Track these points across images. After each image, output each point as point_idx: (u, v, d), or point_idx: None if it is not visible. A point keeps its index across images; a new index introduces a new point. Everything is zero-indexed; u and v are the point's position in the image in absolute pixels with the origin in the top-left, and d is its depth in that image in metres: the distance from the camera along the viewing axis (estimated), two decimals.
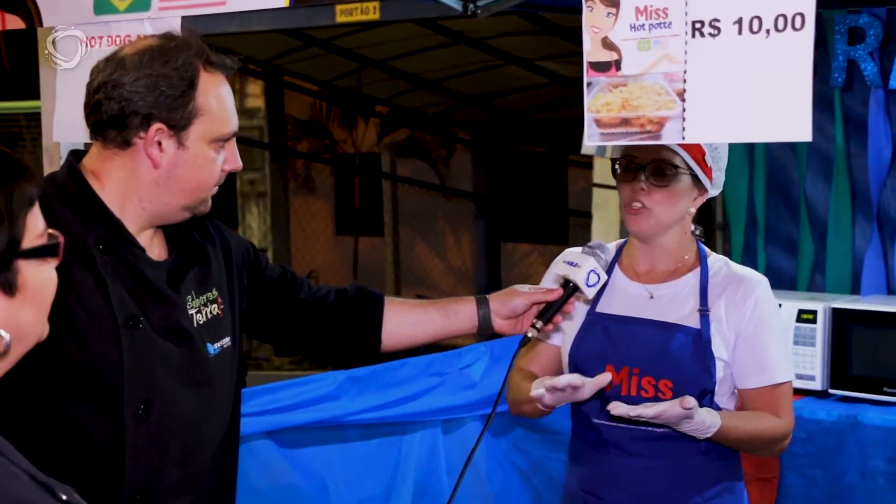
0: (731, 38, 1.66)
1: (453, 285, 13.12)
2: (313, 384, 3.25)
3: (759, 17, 1.63)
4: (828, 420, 3.43)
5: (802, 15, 1.59)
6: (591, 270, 2.22)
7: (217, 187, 2.03)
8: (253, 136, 13.07)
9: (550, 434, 3.55)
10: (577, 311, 2.44)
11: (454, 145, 13.20)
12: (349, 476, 3.38)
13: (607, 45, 1.77)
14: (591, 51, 1.78)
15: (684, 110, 1.71)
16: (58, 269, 1.37)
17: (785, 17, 1.60)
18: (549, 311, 2.22)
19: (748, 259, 4.21)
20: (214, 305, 2.06)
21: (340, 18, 4.77)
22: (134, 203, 1.96)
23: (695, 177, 2.38)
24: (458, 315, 2.31)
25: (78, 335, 1.88)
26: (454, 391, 3.49)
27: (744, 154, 4.15)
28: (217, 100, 1.96)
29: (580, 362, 2.42)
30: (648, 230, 2.41)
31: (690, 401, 2.17)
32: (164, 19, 2.33)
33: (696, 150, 2.35)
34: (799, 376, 3.55)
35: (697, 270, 2.43)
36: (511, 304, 2.28)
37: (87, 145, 2.06)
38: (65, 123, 2.48)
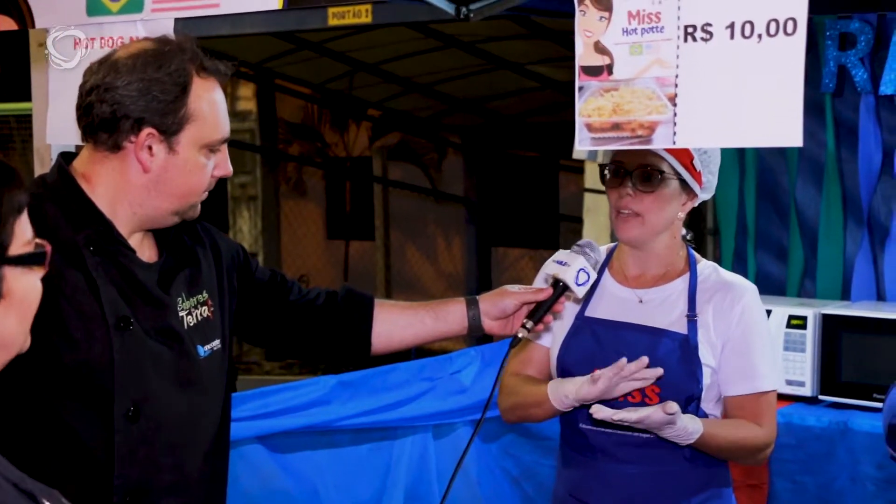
0: (723, 43, 1.65)
1: (444, 290, 13.11)
2: (304, 389, 3.24)
3: (751, 22, 1.62)
4: (818, 426, 3.43)
5: (794, 20, 1.59)
6: (581, 269, 2.21)
7: (207, 192, 2.02)
8: (244, 139, 13.07)
9: (540, 439, 3.54)
10: (566, 314, 2.44)
11: (446, 149, 13.20)
12: (340, 481, 3.37)
13: (599, 49, 1.76)
14: (583, 55, 1.78)
15: (675, 115, 1.70)
16: (48, 269, 1.37)
17: (777, 21, 1.60)
18: (540, 311, 2.21)
19: (738, 264, 4.21)
20: (205, 307, 2.06)
21: (332, 21, 4.76)
22: (124, 206, 1.95)
23: (683, 181, 2.37)
24: (448, 316, 2.30)
25: (68, 336, 1.87)
26: (445, 396, 3.49)
27: (734, 159, 4.16)
28: (210, 105, 1.95)
29: (568, 366, 2.41)
30: (636, 236, 2.41)
31: (673, 406, 2.17)
32: (157, 21, 2.31)
33: (683, 155, 2.34)
34: (789, 382, 3.56)
35: (687, 276, 2.43)
36: (501, 304, 2.27)
37: (79, 147, 2.05)
38: (58, 125, 2.46)
